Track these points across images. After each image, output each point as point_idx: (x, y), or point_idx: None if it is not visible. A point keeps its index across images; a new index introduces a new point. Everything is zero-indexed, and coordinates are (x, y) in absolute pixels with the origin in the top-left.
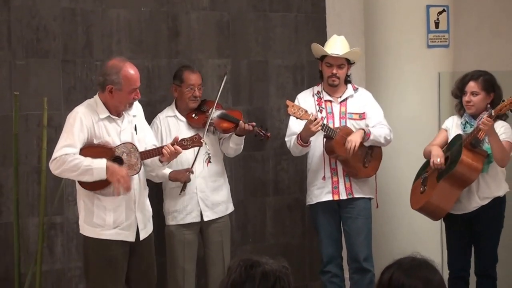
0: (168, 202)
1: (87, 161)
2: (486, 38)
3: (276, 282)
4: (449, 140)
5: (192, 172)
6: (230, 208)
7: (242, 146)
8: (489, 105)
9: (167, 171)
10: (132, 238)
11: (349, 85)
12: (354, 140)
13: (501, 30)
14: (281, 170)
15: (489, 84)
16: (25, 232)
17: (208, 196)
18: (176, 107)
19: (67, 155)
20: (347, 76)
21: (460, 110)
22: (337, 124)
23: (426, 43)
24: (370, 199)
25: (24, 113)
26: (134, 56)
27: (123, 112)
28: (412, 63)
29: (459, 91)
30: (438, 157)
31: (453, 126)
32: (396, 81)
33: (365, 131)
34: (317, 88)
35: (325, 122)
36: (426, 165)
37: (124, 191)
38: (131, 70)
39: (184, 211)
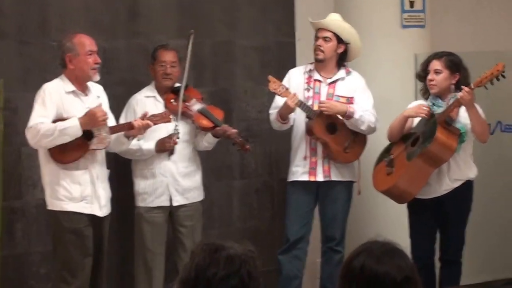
0: (137, 183)
1: (60, 123)
2: (464, 18)
3: (241, 266)
4: (413, 124)
5: (178, 133)
6: (202, 195)
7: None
8: (453, 86)
9: (150, 145)
10: (97, 212)
11: (342, 68)
12: (332, 104)
13: (479, 10)
14: (249, 153)
15: (453, 63)
16: None
17: (178, 181)
18: (155, 88)
19: (42, 123)
20: (341, 58)
21: (425, 94)
22: None
23: (401, 23)
24: (350, 183)
25: None
26: (91, 36)
27: (88, 91)
28: (387, 44)
29: (423, 71)
30: (420, 105)
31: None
32: (370, 64)
33: (348, 110)
34: (309, 66)
35: (310, 102)
36: (388, 148)
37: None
38: (83, 35)
39: (154, 194)
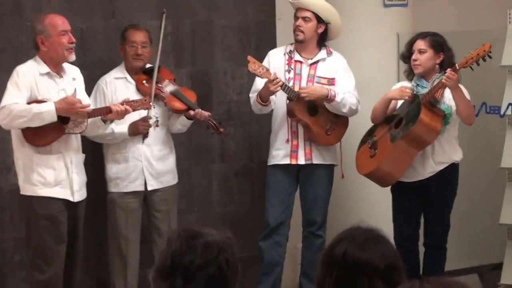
0: (109, 168)
1: (36, 106)
2: None
3: (219, 254)
4: (397, 106)
5: (151, 118)
6: (176, 178)
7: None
8: (437, 66)
9: (123, 128)
10: (71, 198)
11: (323, 48)
12: (313, 89)
13: None
14: (228, 136)
15: (438, 43)
16: None
17: (153, 165)
18: (126, 69)
19: (15, 103)
20: (322, 38)
21: (409, 75)
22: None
23: (383, 2)
24: (332, 166)
25: None
26: (67, 17)
27: (63, 73)
28: (368, 24)
29: (407, 51)
30: (403, 88)
31: None
32: (351, 44)
33: (329, 93)
34: (290, 47)
35: (291, 83)
36: (372, 130)
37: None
38: (55, 15)
39: (127, 178)
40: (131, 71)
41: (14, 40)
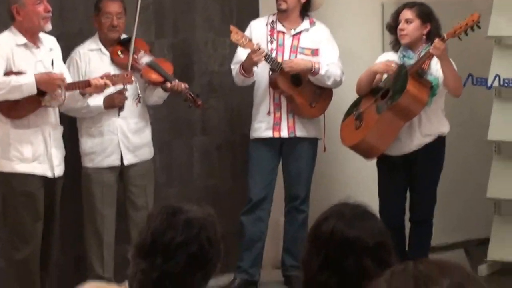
0: (84, 142)
1: (14, 78)
2: None
3: (201, 231)
4: (383, 77)
5: (127, 90)
6: (152, 152)
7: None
8: (424, 37)
9: (98, 101)
10: (49, 173)
11: (306, 18)
12: (298, 61)
13: None
14: (209, 108)
15: (425, 13)
16: None
17: (129, 138)
18: (100, 40)
19: None
20: (305, 7)
21: (395, 46)
22: (286, 58)
23: None
24: (315, 139)
25: None
26: None
27: (40, 43)
28: None
29: (393, 21)
30: (388, 62)
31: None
32: (335, 14)
33: (314, 67)
34: (272, 18)
35: (274, 54)
36: (357, 102)
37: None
38: None
39: (103, 153)
40: (106, 43)
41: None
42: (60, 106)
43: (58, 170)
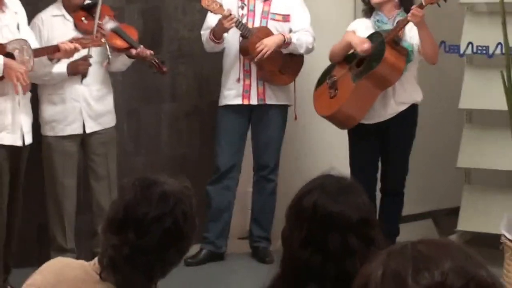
0: (45, 110)
1: None
2: None
3: (176, 206)
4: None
5: (91, 57)
6: (115, 119)
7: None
8: (397, 1)
9: (61, 68)
10: (19, 142)
11: None
12: (268, 44)
13: None
14: (178, 75)
15: None
16: None
17: (91, 105)
18: (63, 6)
19: None
20: None
21: (367, 13)
22: (257, 24)
23: None
24: (286, 106)
25: None
26: None
27: (5, 7)
28: None
29: None
30: (363, 43)
31: (363, 28)
32: None
33: (285, 38)
34: None
35: (244, 20)
36: (330, 69)
37: (22, 90)
38: None
39: (65, 121)
40: (69, 8)
41: None
42: (27, 72)
43: (28, 137)
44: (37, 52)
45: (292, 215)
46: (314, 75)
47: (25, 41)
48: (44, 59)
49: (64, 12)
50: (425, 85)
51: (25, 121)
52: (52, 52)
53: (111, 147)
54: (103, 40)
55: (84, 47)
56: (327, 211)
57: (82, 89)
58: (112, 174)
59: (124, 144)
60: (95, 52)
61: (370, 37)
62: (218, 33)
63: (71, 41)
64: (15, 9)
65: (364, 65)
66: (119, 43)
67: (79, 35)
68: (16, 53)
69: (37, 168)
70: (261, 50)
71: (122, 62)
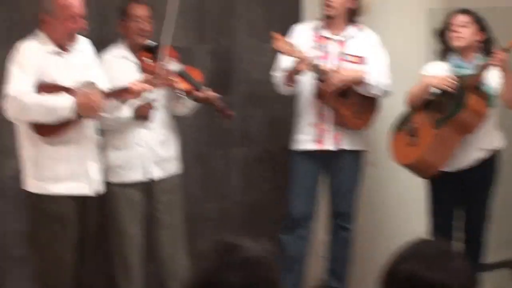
0: (109, 156)
1: (50, 100)
2: None
3: (259, 271)
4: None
5: (157, 100)
6: (180, 166)
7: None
8: (478, 45)
9: (126, 112)
10: (87, 191)
11: (353, 24)
12: (344, 74)
13: None
14: (249, 118)
15: (480, 20)
16: None
17: (156, 151)
18: (126, 46)
19: (26, 93)
20: (352, 13)
21: (442, 55)
22: (332, 66)
23: None
24: (361, 152)
25: None
26: None
27: (71, 46)
28: None
29: (443, 27)
30: (446, 78)
31: (440, 71)
32: (378, 18)
33: (362, 76)
34: (317, 23)
35: (318, 61)
36: (407, 115)
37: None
38: None
39: (129, 167)
40: (133, 49)
41: (26, 12)
42: (99, 118)
43: (97, 186)
44: (109, 95)
45: (387, 281)
46: (390, 120)
47: (94, 83)
48: (115, 101)
49: (127, 53)
50: (504, 130)
51: (95, 169)
52: (122, 93)
53: (176, 194)
54: (174, 79)
55: (155, 87)
56: (425, 281)
57: (146, 134)
58: (177, 222)
59: (192, 190)
60: (160, 95)
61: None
62: (291, 75)
63: (141, 81)
64: (83, 48)
65: (446, 111)
66: (184, 85)
67: (143, 77)
68: None
69: (101, 216)
70: (336, 80)
71: (188, 107)
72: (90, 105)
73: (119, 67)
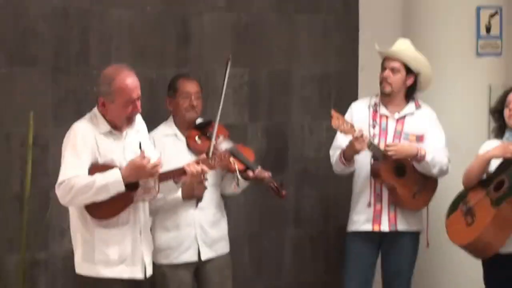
0: (158, 237)
1: (99, 178)
2: None
3: None
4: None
5: (207, 179)
6: (228, 246)
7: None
8: None
9: (177, 193)
10: (139, 275)
11: (411, 101)
12: (402, 146)
13: None
14: (303, 197)
15: None
16: (2, 271)
17: (207, 231)
18: (175, 124)
19: (75, 177)
20: (410, 90)
21: (498, 132)
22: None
23: (476, 50)
24: (417, 233)
25: (6, 131)
26: (137, 64)
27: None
28: (459, 74)
29: (499, 105)
30: (508, 146)
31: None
32: (440, 95)
33: (418, 152)
34: (374, 99)
35: (376, 140)
36: (463, 195)
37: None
38: (126, 79)
39: (179, 248)
40: (182, 127)
41: (77, 90)
42: (152, 199)
43: (149, 269)
44: (163, 176)
45: None
46: (447, 200)
47: (142, 150)
48: (170, 182)
49: (176, 131)
50: None
51: (147, 252)
52: (178, 175)
53: (226, 274)
54: (229, 160)
55: (211, 169)
56: None
57: (197, 214)
58: None
59: (245, 269)
60: (209, 174)
61: (506, 161)
62: (348, 154)
63: (197, 162)
64: (137, 127)
65: (505, 188)
66: (238, 165)
67: (192, 156)
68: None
69: None
70: (393, 148)
71: (238, 185)
72: (138, 169)
73: (168, 145)
